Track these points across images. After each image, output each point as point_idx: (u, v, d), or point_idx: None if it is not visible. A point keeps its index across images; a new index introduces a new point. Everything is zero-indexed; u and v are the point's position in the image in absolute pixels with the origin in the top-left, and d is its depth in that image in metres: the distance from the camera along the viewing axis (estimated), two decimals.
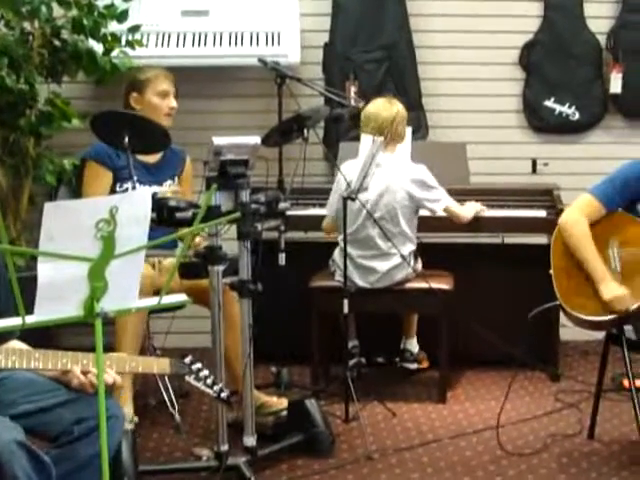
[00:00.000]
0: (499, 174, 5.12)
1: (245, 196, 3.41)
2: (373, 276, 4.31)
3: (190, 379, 2.77)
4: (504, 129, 5.22)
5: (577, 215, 3.64)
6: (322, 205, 4.49)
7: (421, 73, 5.14)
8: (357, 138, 4.41)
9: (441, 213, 4.35)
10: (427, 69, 5.15)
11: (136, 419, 3.75)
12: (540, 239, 4.61)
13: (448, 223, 4.41)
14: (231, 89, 5.15)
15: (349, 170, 4.21)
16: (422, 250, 4.44)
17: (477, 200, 4.54)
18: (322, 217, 4.47)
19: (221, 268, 3.41)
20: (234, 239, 3.45)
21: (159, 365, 2.72)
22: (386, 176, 4.26)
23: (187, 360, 2.77)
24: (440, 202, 4.33)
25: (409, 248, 4.33)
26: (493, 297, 4.67)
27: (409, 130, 4.52)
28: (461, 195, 4.51)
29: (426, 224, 4.43)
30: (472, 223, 4.43)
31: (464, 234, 4.68)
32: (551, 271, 3.64)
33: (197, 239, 3.91)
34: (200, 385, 2.79)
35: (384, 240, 4.26)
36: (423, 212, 4.38)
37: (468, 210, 4.44)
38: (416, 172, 4.31)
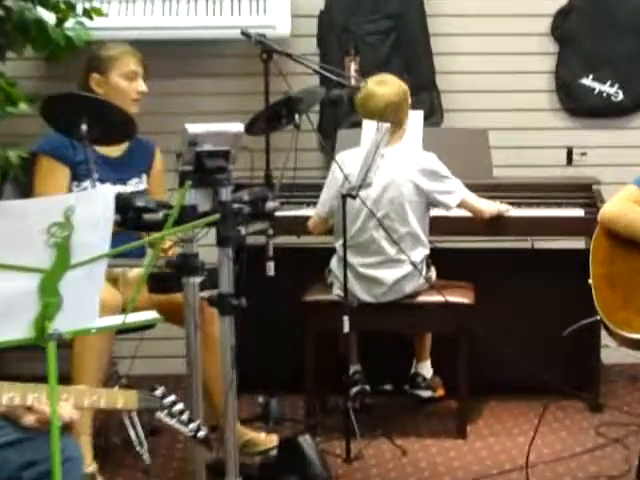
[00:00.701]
0: (528, 166, 5.14)
1: (226, 194, 3.40)
2: (378, 288, 4.30)
3: (162, 415, 2.75)
4: (533, 112, 5.23)
5: (622, 204, 3.65)
6: (317, 204, 4.48)
7: (434, 47, 5.14)
8: (358, 124, 4.40)
9: (456, 209, 4.33)
10: (441, 42, 5.16)
11: (93, 466, 3.72)
12: (577, 243, 4.62)
13: (467, 224, 4.42)
14: (208, 67, 5.16)
15: (348, 161, 4.21)
16: (436, 256, 4.43)
17: (501, 198, 4.54)
18: None
19: (198, 280, 3.40)
20: (213, 245, 3.44)
21: (125, 399, 2.71)
22: (390, 168, 4.24)
23: (158, 392, 2.76)
24: (454, 194, 4.30)
25: (421, 253, 4.31)
26: (521, 312, 4.68)
27: (419, 115, 4.51)
28: (483, 191, 4.51)
29: (440, 226, 4.44)
30: (496, 224, 4.43)
31: (486, 238, 4.70)
32: (590, 280, 3.64)
33: (167, 244, 3.90)
34: (174, 423, 2.78)
35: (391, 244, 4.25)
36: (436, 211, 4.37)
37: (490, 204, 4.42)
38: (424, 161, 4.30)
